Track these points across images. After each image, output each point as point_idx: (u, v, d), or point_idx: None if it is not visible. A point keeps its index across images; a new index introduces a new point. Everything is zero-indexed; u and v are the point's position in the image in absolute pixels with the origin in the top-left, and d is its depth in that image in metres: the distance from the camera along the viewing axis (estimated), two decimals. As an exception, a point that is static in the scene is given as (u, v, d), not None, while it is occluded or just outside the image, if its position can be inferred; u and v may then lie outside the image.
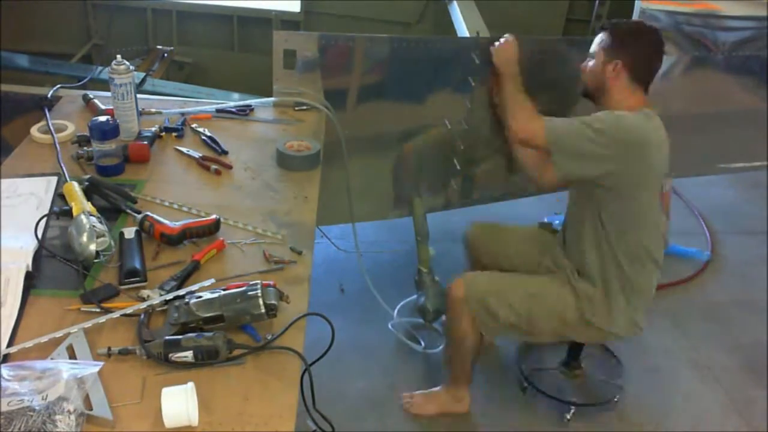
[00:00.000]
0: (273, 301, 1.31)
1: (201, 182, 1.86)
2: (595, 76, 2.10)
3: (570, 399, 2.49)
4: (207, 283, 1.42)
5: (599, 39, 2.12)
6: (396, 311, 2.87)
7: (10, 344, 1.26)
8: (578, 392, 2.54)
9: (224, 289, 1.35)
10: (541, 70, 2.49)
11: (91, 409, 1.14)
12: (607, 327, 2.15)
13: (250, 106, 2.25)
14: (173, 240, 1.56)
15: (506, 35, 2.32)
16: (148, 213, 1.60)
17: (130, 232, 1.56)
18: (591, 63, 2.13)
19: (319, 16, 3.26)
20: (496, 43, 2.32)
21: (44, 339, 1.26)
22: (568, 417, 2.44)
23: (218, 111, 2.22)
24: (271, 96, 2.28)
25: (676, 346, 2.87)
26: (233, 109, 2.23)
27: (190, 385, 1.15)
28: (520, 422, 2.47)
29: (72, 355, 1.25)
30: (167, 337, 1.26)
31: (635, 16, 2.55)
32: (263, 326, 1.36)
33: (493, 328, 2.22)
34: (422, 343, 2.76)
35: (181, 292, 1.38)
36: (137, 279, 1.44)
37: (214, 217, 1.62)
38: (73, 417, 1.09)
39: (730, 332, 2.96)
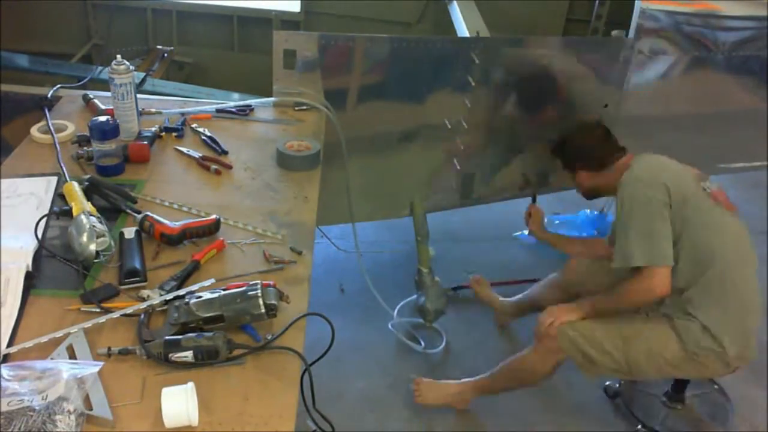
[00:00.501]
0: (273, 301, 1.31)
1: (201, 182, 1.86)
2: (582, 189, 2.42)
3: (653, 425, 2.41)
4: (207, 283, 1.42)
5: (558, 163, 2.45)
6: (396, 311, 2.87)
7: (10, 344, 1.26)
8: (673, 426, 2.46)
9: (224, 289, 1.35)
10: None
11: (91, 409, 1.14)
12: (717, 347, 2.03)
13: (250, 106, 2.25)
14: (173, 240, 1.56)
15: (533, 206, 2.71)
16: (148, 213, 1.60)
17: (130, 232, 1.56)
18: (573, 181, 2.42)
19: (319, 16, 3.26)
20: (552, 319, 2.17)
21: (44, 339, 1.26)
22: None
23: (218, 111, 2.22)
24: (271, 96, 2.28)
25: (676, 346, 2.86)
26: (233, 109, 2.22)
27: (190, 385, 1.15)
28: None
29: (72, 355, 1.25)
30: (167, 337, 1.26)
31: (635, 16, 2.54)
32: (263, 326, 1.36)
33: (594, 371, 2.16)
34: (422, 343, 2.76)
35: (181, 292, 1.38)
36: (137, 279, 1.44)
37: (214, 217, 1.62)
38: (73, 417, 1.09)
39: (730, 332, 2.95)
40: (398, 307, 2.89)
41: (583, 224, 3.44)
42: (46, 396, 1.10)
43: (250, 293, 1.31)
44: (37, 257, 1.47)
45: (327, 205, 1.94)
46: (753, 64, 2.83)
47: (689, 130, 2.97)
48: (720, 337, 2.01)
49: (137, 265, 1.47)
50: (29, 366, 1.16)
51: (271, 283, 1.36)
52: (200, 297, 1.34)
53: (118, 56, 1.94)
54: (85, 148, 1.88)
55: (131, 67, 1.96)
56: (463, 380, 2.47)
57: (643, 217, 2.02)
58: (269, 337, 1.32)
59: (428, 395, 2.47)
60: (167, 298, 1.37)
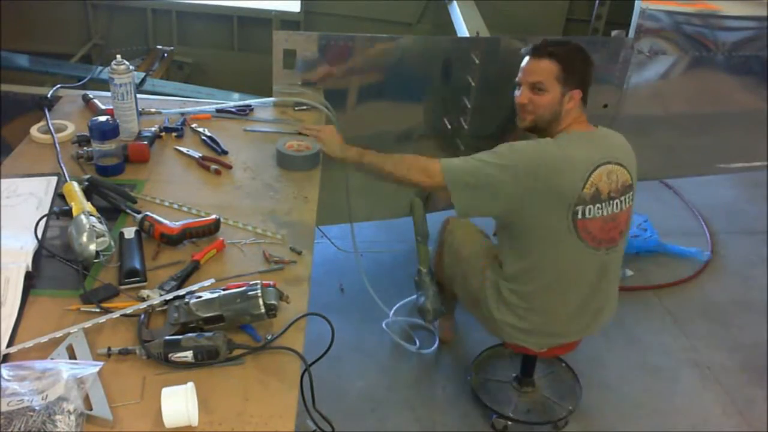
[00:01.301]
0: (273, 301, 1.31)
1: (201, 182, 1.86)
2: (551, 108, 2.00)
3: (508, 414, 2.42)
4: (207, 283, 1.42)
5: (547, 68, 1.99)
6: (393, 311, 2.86)
7: (10, 344, 1.26)
8: (522, 408, 2.47)
9: (224, 289, 1.35)
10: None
11: (91, 409, 1.14)
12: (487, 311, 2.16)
13: (250, 106, 2.25)
14: (173, 240, 1.56)
15: (320, 127, 2.09)
16: (148, 213, 1.60)
17: (130, 232, 1.56)
18: (544, 97, 2.00)
19: (319, 16, 3.26)
20: (313, 132, 2.06)
21: (44, 339, 1.27)
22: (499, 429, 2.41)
23: (218, 111, 2.22)
24: (271, 96, 2.28)
25: (676, 346, 2.86)
26: (233, 109, 2.22)
27: (190, 385, 1.15)
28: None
29: (72, 355, 1.25)
30: (167, 337, 1.26)
31: (635, 16, 2.54)
32: (263, 326, 1.36)
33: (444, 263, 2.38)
34: (417, 343, 2.76)
35: (181, 292, 1.38)
36: (137, 279, 1.44)
37: (214, 217, 1.62)
38: (73, 417, 1.09)
39: (730, 332, 2.96)
40: (396, 307, 2.89)
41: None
42: (46, 396, 1.10)
43: (250, 293, 1.31)
44: (37, 257, 1.47)
45: (327, 205, 1.94)
46: (753, 64, 2.83)
47: (689, 130, 2.97)
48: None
49: (137, 265, 1.47)
50: (29, 366, 1.16)
51: (271, 283, 1.36)
52: (200, 297, 1.34)
53: (118, 56, 1.94)
54: (85, 148, 1.88)
55: (131, 67, 1.96)
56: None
57: (488, 168, 1.89)
58: (269, 337, 1.32)
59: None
60: (167, 298, 1.37)
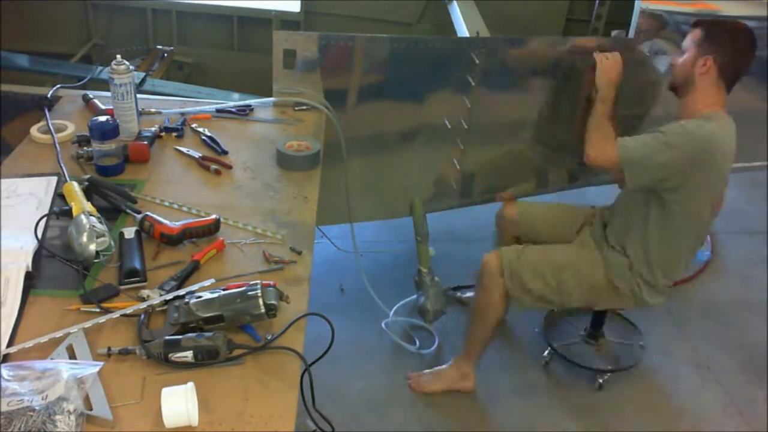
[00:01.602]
0: (273, 301, 1.31)
1: (201, 182, 1.86)
2: (685, 71, 2.12)
3: (599, 366, 2.61)
4: (207, 283, 1.42)
5: (691, 34, 2.13)
6: (393, 311, 2.86)
7: (10, 344, 1.26)
8: (605, 359, 2.67)
9: (224, 289, 1.35)
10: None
11: (91, 409, 1.14)
12: (632, 292, 2.27)
13: (250, 106, 2.25)
14: (173, 240, 1.56)
15: (615, 52, 2.30)
16: (148, 213, 1.60)
17: (130, 232, 1.56)
18: (682, 57, 2.15)
19: (319, 16, 3.26)
20: (602, 57, 2.28)
21: (44, 339, 1.26)
22: (601, 382, 2.55)
23: (218, 111, 2.22)
24: (271, 96, 2.28)
25: (676, 346, 2.86)
26: (233, 109, 2.22)
27: (190, 385, 1.15)
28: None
29: (72, 355, 1.25)
30: (167, 337, 1.26)
31: (635, 16, 2.54)
32: (263, 326, 1.36)
33: (524, 301, 2.31)
34: (417, 343, 2.76)
35: (181, 292, 1.38)
36: (137, 279, 1.44)
37: (214, 217, 1.62)
38: (73, 417, 1.09)
39: (730, 332, 2.96)
40: (396, 307, 2.89)
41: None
42: (46, 396, 1.10)
43: (250, 293, 1.31)
44: (37, 257, 1.47)
45: (327, 205, 1.94)
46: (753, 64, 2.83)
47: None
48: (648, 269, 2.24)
49: (137, 265, 1.47)
50: (29, 366, 1.16)
51: (271, 283, 1.36)
52: (200, 297, 1.34)
53: (118, 56, 1.94)
54: (85, 148, 1.87)
55: (131, 67, 1.96)
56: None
57: (662, 147, 2.04)
58: (269, 337, 1.32)
59: (430, 384, 2.53)
60: (167, 298, 1.37)
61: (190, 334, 1.26)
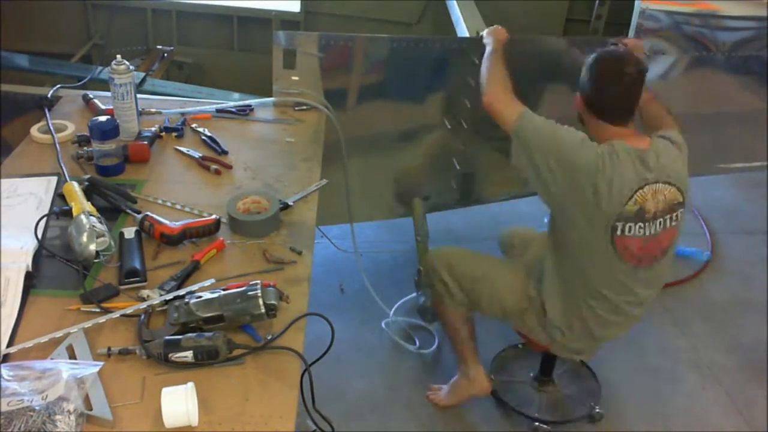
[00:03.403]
0: (273, 301, 1.31)
1: (201, 182, 1.86)
2: (576, 109, 2.01)
3: (534, 415, 2.44)
4: (207, 283, 1.42)
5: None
6: (393, 311, 2.86)
7: (10, 344, 1.26)
8: (548, 408, 2.49)
9: (224, 289, 1.35)
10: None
11: (91, 409, 1.14)
12: (530, 331, 2.19)
13: (250, 106, 2.25)
14: (173, 240, 1.56)
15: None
16: (148, 213, 1.60)
17: (130, 232, 1.56)
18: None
19: (319, 16, 3.25)
20: (489, 28, 2.32)
21: (44, 339, 1.27)
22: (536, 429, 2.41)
23: (218, 111, 2.22)
24: (271, 96, 2.28)
25: (676, 346, 2.86)
26: (233, 109, 2.22)
27: (190, 385, 1.15)
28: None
29: (72, 355, 1.25)
30: (167, 337, 1.26)
31: (635, 16, 2.54)
32: (263, 326, 1.36)
33: (448, 302, 2.27)
34: (417, 343, 2.76)
35: (181, 292, 1.38)
36: (137, 279, 1.44)
37: (214, 217, 1.62)
38: (73, 417, 1.09)
39: (730, 332, 2.96)
40: (395, 306, 2.89)
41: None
42: (46, 396, 1.10)
43: (250, 293, 1.31)
44: (37, 257, 1.48)
45: (327, 205, 1.94)
46: (753, 64, 2.82)
47: (689, 130, 2.95)
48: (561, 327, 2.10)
49: (137, 265, 1.47)
50: (29, 366, 1.16)
51: (271, 283, 1.36)
52: (200, 297, 1.34)
53: (118, 56, 1.94)
54: (85, 148, 1.88)
55: (131, 67, 1.96)
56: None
57: (545, 154, 1.90)
58: (269, 337, 1.32)
59: (447, 398, 2.49)
60: (167, 298, 1.37)
61: (190, 334, 1.26)
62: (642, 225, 1.89)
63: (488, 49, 2.24)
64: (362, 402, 2.50)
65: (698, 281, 3.26)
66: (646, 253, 1.94)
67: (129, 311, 1.34)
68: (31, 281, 1.41)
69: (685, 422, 2.51)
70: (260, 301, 1.31)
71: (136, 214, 1.62)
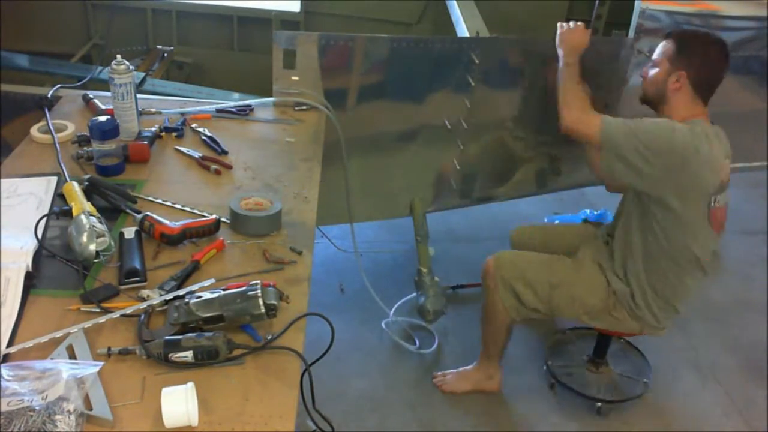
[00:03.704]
0: (273, 301, 1.31)
1: (201, 182, 1.86)
2: (657, 86, 2.10)
3: (596, 395, 2.53)
4: (207, 283, 1.42)
5: (663, 47, 2.10)
6: (393, 311, 2.86)
7: (10, 344, 1.26)
8: (605, 389, 2.58)
9: (224, 289, 1.35)
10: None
11: (91, 409, 1.13)
12: (620, 323, 2.26)
13: (250, 106, 2.25)
14: (173, 240, 1.56)
15: (579, 22, 2.31)
16: (148, 213, 1.59)
17: (130, 232, 1.56)
18: (653, 71, 2.11)
19: (319, 16, 3.26)
20: (564, 25, 2.31)
21: (44, 339, 1.26)
22: (599, 406, 2.49)
23: (218, 111, 2.22)
24: (271, 96, 2.28)
25: (676, 346, 2.86)
26: (233, 109, 2.23)
27: (190, 385, 1.15)
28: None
29: (72, 355, 1.25)
30: (167, 337, 1.26)
31: (635, 16, 2.54)
32: (263, 326, 1.36)
33: (518, 309, 2.30)
34: (417, 343, 2.76)
35: (181, 292, 1.38)
36: (137, 279, 1.44)
37: (214, 217, 1.62)
38: (73, 417, 1.09)
39: (730, 332, 2.96)
40: (395, 306, 2.89)
41: (583, 224, 3.44)
42: (46, 396, 1.10)
43: (250, 293, 1.31)
44: (37, 257, 1.47)
45: (327, 205, 1.94)
46: (753, 64, 2.83)
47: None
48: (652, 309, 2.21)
49: (137, 265, 1.47)
50: (29, 366, 1.16)
51: (271, 283, 1.36)
52: (200, 297, 1.34)
53: (118, 56, 1.94)
54: (85, 148, 1.87)
55: (131, 67, 1.96)
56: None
57: (635, 147, 1.99)
58: (269, 337, 1.32)
59: (456, 384, 2.54)
60: (167, 298, 1.37)
61: (190, 334, 1.26)
62: (723, 194, 2.09)
63: (561, 62, 2.25)
64: (362, 402, 2.50)
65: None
66: (724, 219, 2.14)
67: (129, 311, 1.34)
68: (31, 281, 1.41)
69: (685, 422, 2.51)
70: (260, 301, 1.30)
71: (136, 214, 1.61)
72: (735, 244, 3.55)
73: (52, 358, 1.23)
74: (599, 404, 2.49)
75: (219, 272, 1.49)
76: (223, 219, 1.64)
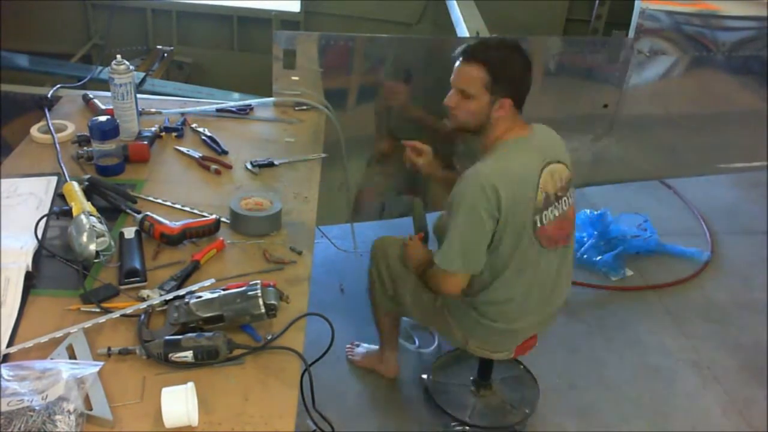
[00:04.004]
0: (273, 301, 1.31)
1: (201, 182, 1.86)
2: (479, 116, 1.90)
3: (464, 418, 2.37)
4: (207, 283, 1.42)
5: (473, 75, 1.87)
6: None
7: (10, 344, 1.26)
8: (478, 413, 2.41)
9: (224, 289, 1.35)
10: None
11: (91, 409, 1.14)
12: (448, 330, 2.14)
13: (250, 105, 2.25)
14: (173, 240, 1.56)
15: (408, 239, 2.19)
16: (149, 213, 1.60)
17: (130, 232, 1.56)
18: (471, 104, 1.89)
19: (319, 16, 3.26)
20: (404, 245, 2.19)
21: (44, 339, 1.27)
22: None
23: (218, 111, 2.22)
24: (271, 96, 2.28)
25: (676, 346, 2.86)
26: (233, 109, 2.23)
27: (190, 385, 1.15)
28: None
29: (72, 355, 1.25)
30: (167, 337, 1.26)
31: (635, 16, 2.54)
32: (263, 326, 1.36)
33: (376, 291, 2.31)
34: (417, 342, 2.75)
35: (181, 292, 1.38)
36: (137, 279, 1.44)
37: (214, 217, 1.62)
38: (73, 417, 1.09)
39: (730, 332, 2.96)
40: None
41: (583, 224, 3.43)
42: (46, 396, 1.10)
43: (250, 293, 1.31)
44: (37, 257, 1.47)
45: (327, 205, 1.94)
46: (753, 64, 2.83)
47: (689, 130, 2.97)
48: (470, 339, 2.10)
49: (137, 265, 1.47)
50: (29, 366, 1.16)
51: (271, 283, 1.36)
52: (200, 297, 1.34)
53: (118, 56, 1.94)
54: (85, 148, 1.88)
55: (131, 67, 1.96)
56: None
57: (469, 225, 1.85)
58: (269, 337, 1.32)
59: (360, 360, 2.61)
60: (167, 298, 1.37)
61: (190, 334, 1.26)
62: (552, 208, 1.92)
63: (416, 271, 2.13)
64: (362, 402, 2.50)
65: (698, 281, 3.26)
66: (565, 231, 1.99)
67: (129, 311, 1.34)
68: (31, 281, 1.41)
69: (685, 422, 2.51)
70: (260, 301, 1.30)
71: (136, 214, 1.62)
72: (735, 244, 3.55)
73: (52, 358, 1.23)
74: (460, 428, 2.36)
75: (219, 272, 1.49)
76: (223, 219, 1.64)
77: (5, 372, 1.14)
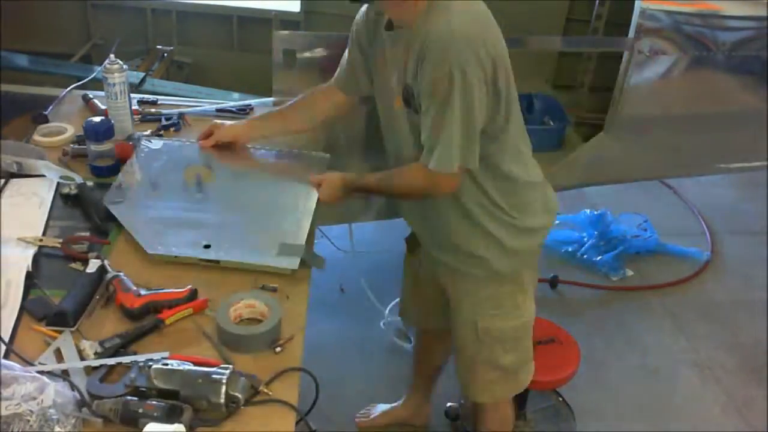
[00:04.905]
0: (237, 394, 1.15)
1: (201, 182, 1.85)
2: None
3: None
4: (157, 356, 1.22)
5: None
6: (388, 310, 2.85)
7: (10, 344, 1.26)
8: None
9: (194, 363, 1.21)
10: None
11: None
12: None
13: (250, 105, 2.25)
14: (133, 315, 1.33)
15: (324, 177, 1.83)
16: (120, 274, 1.39)
17: (93, 265, 1.40)
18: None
19: (319, 16, 3.25)
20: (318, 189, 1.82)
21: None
22: None
23: (218, 111, 2.21)
24: (271, 96, 2.28)
25: (676, 346, 2.87)
26: (233, 109, 2.22)
27: (180, 427, 1.08)
28: None
29: (59, 359, 1.25)
30: (127, 398, 1.14)
31: (635, 16, 2.54)
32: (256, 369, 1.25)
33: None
34: (413, 342, 2.75)
35: (113, 361, 1.21)
36: (64, 324, 1.29)
37: (188, 287, 1.37)
38: (70, 420, 1.09)
39: (730, 332, 2.96)
40: (390, 305, 2.87)
41: (583, 224, 3.44)
42: (42, 400, 1.09)
43: (215, 377, 1.15)
44: (37, 257, 1.47)
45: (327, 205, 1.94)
46: (753, 64, 2.82)
47: (689, 130, 2.97)
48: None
49: (70, 306, 1.31)
50: (26, 369, 1.16)
51: (253, 375, 1.22)
52: (166, 365, 1.20)
53: (112, 55, 1.93)
54: (72, 145, 1.88)
55: (125, 66, 1.94)
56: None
57: (467, 110, 1.53)
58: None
59: (381, 419, 2.45)
60: (93, 365, 1.21)
61: (153, 402, 1.13)
62: None
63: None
64: (362, 402, 2.50)
65: (698, 281, 3.26)
66: None
67: (64, 367, 1.21)
68: (31, 281, 1.41)
69: (685, 422, 2.51)
70: (222, 389, 1.14)
71: (105, 262, 1.42)
72: (735, 244, 3.55)
73: (39, 362, 1.23)
74: None
75: (186, 339, 1.30)
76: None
77: (5, 372, 1.13)
